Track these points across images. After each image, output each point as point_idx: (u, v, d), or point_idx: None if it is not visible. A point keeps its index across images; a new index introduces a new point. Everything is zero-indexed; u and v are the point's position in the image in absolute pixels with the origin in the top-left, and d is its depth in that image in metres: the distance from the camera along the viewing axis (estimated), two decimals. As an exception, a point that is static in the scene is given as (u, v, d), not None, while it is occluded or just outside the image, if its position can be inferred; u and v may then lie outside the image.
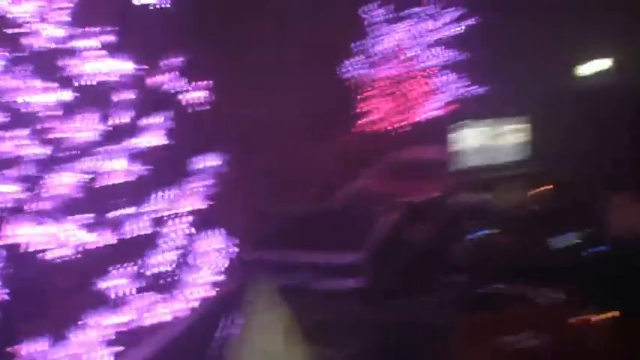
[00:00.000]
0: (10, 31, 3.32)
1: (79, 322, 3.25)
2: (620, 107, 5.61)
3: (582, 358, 1.62)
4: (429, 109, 7.27)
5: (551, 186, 3.09)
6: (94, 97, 3.41)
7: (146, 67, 3.63)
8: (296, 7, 6.76)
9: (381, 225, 3.39)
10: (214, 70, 4.17)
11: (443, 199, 3.34)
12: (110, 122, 3.47)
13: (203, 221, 3.73)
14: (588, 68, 7.37)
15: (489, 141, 4.08)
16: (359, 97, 7.26)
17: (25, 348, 3.08)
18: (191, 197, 3.66)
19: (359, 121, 7.18)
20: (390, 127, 7.14)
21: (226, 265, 3.71)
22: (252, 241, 4.02)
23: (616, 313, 1.54)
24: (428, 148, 5.36)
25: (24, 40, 3.36)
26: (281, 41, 6.73)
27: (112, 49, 3.54)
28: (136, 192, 3.51)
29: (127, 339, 3.21)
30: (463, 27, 7.51)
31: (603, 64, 7.47)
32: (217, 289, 3.56)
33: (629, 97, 5.55)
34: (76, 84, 3.40)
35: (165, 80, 3.69)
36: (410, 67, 7.37)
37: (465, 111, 4.86)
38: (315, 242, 3.72)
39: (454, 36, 7.54)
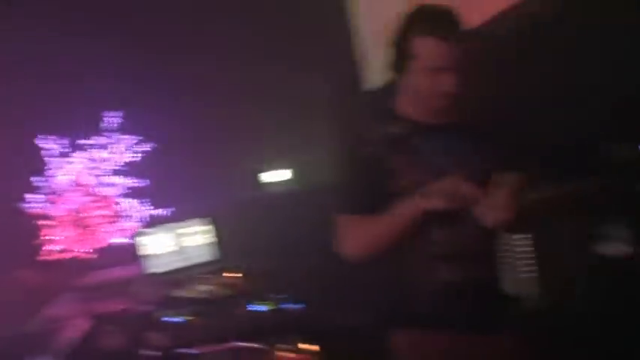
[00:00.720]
0: None
1: None
2: (297, 209, 6.24)
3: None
4: (114, 234, 7.29)
5: (240, 275, 3.39)
6: None
7: None
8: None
9: (74, 337, 3.22)
10: None
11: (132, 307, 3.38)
12: None
13: None
14: (269, 176, 8.10)
15: (178, 245, 4.07)
16: (41, 229, 6.98)
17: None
18: None
19: (42, 252, 6.89)
20: (74, 256, 6.94)
21: None
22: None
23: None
24: (116, 269, 5.31)
25: None
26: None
27: None
28: None
29: None
30: (139, 153, 7.68)
31: (282, 174, 8.24)
32: None
33: (308, 200, 6.23)
34: None
35: None
36: (89, 196, 7.28)
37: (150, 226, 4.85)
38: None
39: (131, 162, 7.67)
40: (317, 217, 5.90)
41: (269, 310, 2.30)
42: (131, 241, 7.06)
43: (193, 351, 1.90)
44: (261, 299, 2.56)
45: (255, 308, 2.38)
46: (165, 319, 2.53)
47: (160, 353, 1.92)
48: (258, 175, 8.29)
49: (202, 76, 7.57)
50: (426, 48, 1.64)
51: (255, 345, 1.83)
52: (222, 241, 4.21)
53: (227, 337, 2.08)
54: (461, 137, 1.76)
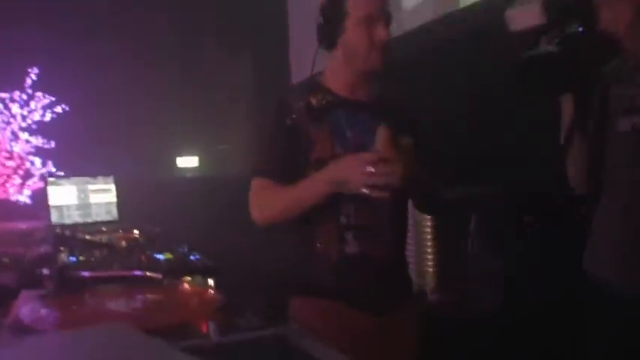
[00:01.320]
0: None
1: None
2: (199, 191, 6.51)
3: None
4: (18, 190, 7.23)
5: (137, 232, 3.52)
6: None
7: None
8: None
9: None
10: None
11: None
12: None
13: None
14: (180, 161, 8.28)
15: (82, 200, 4.22)
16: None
17: None
18: None
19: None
20: None
21: None
22: None
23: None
24: (18, 222, 5.31)
25: None
26: None
27: None
28: None
29: None
30: (52, 114, 7.64)
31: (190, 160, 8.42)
32: None
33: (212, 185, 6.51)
34: None
35: None
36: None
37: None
38: None
39: (43, 122, 7.62)
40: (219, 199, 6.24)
41: (167, 259, 2.47)
42: (31, 200, 7.08)
43: (85, 274, 2.05)
44: (160, 250, 2.71)
45: (154, 256, 2.55)
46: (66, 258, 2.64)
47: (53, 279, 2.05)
48: (172, 158, 8.47)
49: (126, 49, 7.63)
50: (359, 1, 1.78)
51: (155, 274, 2.00)
52: (120, 203, 4.39)
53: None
54: (375, 114, 1.82)
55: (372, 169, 1.60)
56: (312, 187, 1.78)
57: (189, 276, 2.04)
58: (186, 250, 2.80)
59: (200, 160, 8.79)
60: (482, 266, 3.85)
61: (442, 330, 3.19)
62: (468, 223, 3.94)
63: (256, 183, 1.87)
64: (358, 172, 1.62)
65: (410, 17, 4.28)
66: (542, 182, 3.37)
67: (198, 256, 2.69)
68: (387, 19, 1.81)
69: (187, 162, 8.67)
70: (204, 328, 1.49)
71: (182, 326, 1.45)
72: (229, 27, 7.57)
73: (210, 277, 1.99)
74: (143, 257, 2.59)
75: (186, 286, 1.90)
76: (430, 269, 4.01)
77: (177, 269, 2.28)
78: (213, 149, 8.58)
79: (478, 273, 3.80)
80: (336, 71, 1.90)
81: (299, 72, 5.70)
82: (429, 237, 4.00)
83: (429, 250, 4.00)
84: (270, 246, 3.59)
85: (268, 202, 1.85)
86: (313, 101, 1.84)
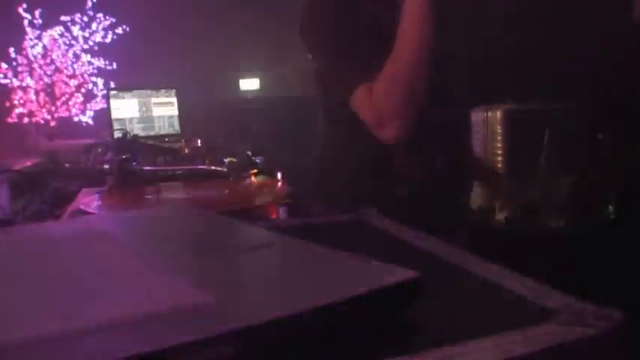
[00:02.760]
0: None
1: None
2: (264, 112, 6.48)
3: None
4: (81, 110, 7.34)
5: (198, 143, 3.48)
6: None
7: None
8: None
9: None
10: None
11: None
12: None
13: None
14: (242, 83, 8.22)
15: (145, 112, 4.21)
16: (12, 95, 6.98)
17: None
18: None
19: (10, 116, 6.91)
20: (41, 121, 6.99)
21: None
22: None
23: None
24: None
25: None
26: None
27: None
28: None
29: None
30: (113, 36, 7.65)
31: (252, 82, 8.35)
32: None
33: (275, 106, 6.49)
34: None
35: None
36: (61, 70, 7.26)
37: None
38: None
39: (104, 44, 7.63)
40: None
41: (231, 161, 2.42)
42: (93, 122, 7.17)
43: (147, 168, 1.99)
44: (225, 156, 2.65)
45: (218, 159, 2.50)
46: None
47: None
48: (234, 79, 8.43)
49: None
50: None
51: (220, 168, 1.92)
52: (182, 118, 4.37)
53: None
54: None
55: None
56: (411, 15, 1.40)
57: (255, 174, 1.96)
58: (250, 153, 2.75)
59: (261, 83, 8.70)
60: (555, 183, 3.70)
61: (510, 247, 3.09)
62: (542, 138, 3.77)
63: (363, 90, 1.48)
64: None
65: None
66: (619, 97, 3.17)
67: (262, 158, 2.64)
68: None
69: (248, 84, 8.60)
70: (274, 214, 1.41)
71: (251, 211, 1.38)
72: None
73: (275, 172, 1.90)
74: (207, 160, 2.56)
75: (253, 179, 1.82)
76: (500, 184, 3.88)
77: (242, 168, 2.21)
78: (275, 72, 8.48)
79: (550, 189, 3.65)
80: None
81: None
82: (499, 151, 3.85)
83: (499, 165, 3.86)
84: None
85: (387, 83, 1.43)
86: None
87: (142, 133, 4.16)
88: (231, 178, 1.88)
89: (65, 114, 7.15)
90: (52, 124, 7.04)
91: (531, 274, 0.76)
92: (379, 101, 1.46)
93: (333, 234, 1.05)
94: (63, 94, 7.17)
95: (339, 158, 1.73)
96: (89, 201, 1.57)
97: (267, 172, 2.25)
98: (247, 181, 1.85)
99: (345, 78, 1.52)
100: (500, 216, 3.91)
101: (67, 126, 7.04)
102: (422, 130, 1.53)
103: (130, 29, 7.61)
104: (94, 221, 1.11)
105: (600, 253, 3.16)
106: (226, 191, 1.66)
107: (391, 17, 1.49)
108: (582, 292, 0.66)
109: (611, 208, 3.47)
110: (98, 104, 7.29)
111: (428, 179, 1.60)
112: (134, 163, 2.65)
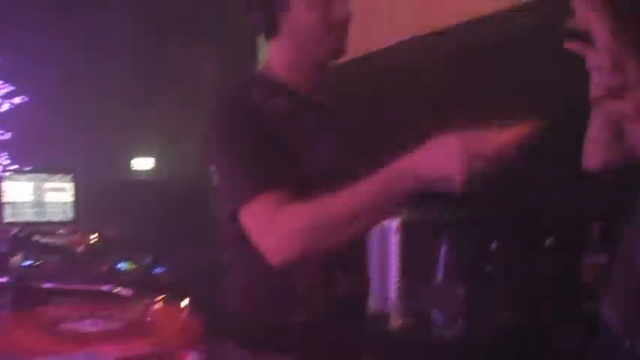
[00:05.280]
0: None
1: None
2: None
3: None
4: None
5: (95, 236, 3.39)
6: None
7: None
8: None
9: None
10: None
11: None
12: None
13: None
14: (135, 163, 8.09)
15: (38, 197, 4.06)
16: None
17: None
18: None
19: None
20: None
21: None
22: None
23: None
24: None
25: None
26: None
27: None
28: None
29: None
30: (10, 104, 7.41)
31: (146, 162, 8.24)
32: None
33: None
34: None
35: None
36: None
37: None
38: None
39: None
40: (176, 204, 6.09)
41: (130, 269, 2.35)
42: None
43: (47, 285, 1.91)
44: (123, 258, 2.59)
45: (116, 266, 2.44)
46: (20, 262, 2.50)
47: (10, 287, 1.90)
48: (127, 159, 8.28)
49: (88, 45, 7.44)
50: None
51: (124, 291, 1.85)
52: (78, 202, 4.24)
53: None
54: (334, 118, 1.48)
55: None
56: (392, 185, 1.22)
57: (159, 293, 1.91)
58: (150, 261, 2.69)
59: (156, 162, 8.61)
60: (450, 291, 3.82)
61: (405, 355, 3.14)
62: (438, 247, 3.90)
63: (262, 203, 1.29)
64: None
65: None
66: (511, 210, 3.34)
67: (163, 268, 2.58)
68: None
69: (143, 164, 8.48)
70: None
71: (160, 356, 1.33)
72: (193, 24, 7.38)
73: (181, 297, 1.86)
74: (104, 266, 2.48)
75: (159, 306, 1.77)
76: (394, 292, 3.94)
77: (144, 284, 2.15)
78: (170, 151, 8.40)
79: (445, 298, 3.76)
80: (287, 63, 1.48)
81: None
82: (394, 259, 3.94)
83: (394, 273, 3.94)
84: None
85: (305, 221, 1.26)
86: (282, 102, 1.43)
87: (33, 219, 4.00)
88: (134, 301, 1.83)
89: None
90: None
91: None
92: (283, 229, 1.27)
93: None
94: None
95: (237, 273, 1.58)
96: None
97: (171, 287, 2.21)
98: (154, 308, 1.80)
99: (244, 185, 1.33)
100: (396, 323, 3.96)
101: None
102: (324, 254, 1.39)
103: (28, 99, 7.39)
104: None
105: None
106: (133, 325, 1.60)
107: (301, 142, 1.40)
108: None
109: (504, 316, 3.60)
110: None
111: (329, 305, 1.47)
112: (27, 262, 2.55)
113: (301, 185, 1.29)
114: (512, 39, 3.09)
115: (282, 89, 1.44)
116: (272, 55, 1.48)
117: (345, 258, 1.40)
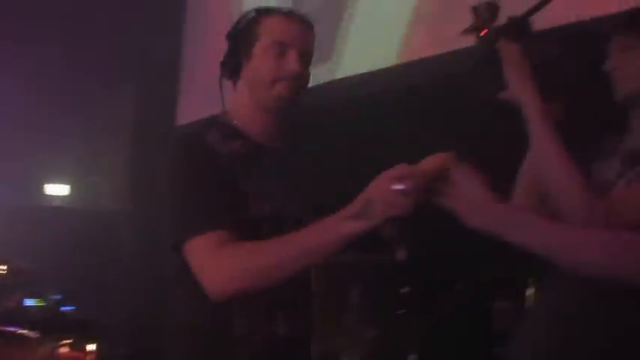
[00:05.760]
0: None
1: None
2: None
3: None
4: None
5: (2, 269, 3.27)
6: None
7: None
8: None
9: None
10: None
11: None
12: None
13: None
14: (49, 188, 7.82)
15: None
16: None
17: None
18: None
19: None
20: None
21: None
22: None
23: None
24: None
25: None
26: None
27: None
28: None
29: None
30: None
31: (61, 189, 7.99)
32: None
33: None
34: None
35: None
36: None
37: None
38: None
39: None
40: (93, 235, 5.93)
41: (39, 307, 2.27)
42: None
43: None
44: (32, 295, 2.49)
45: (24, 302, 2.35)
46: None
47: None
48: (40, 184, 7.98)
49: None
50: (272, 24, 1.54)
51: (30, 333, 1.76)
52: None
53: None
54: (288, 164, 1.58)
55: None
56: (329, 229, 1.30)
57: (66, 334, 1.86)
58: (59, 298, 2.62)
59: (71, 189, 8.33)
60: (359, 335, 3.87)
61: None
62: (349, 291, 3.96)
63: (205, 240, 1.36)
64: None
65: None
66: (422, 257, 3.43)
67: (73, 307, 2.52)
68: (303, 51, 1.55)
69: (57, 190, 8.19)
70: None
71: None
72: (113, 58, 7.27)
73: (89, 340, 1.81)
74: (12, 302, 2.40)
75: (65, 351, 1.72)
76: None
77: (51, 323, 2.09)
78: (86, 179, 8.18)
79: (355, 341, 3.81)
80: (244, 109, 1.59)
81: (187, 111, 5.48)
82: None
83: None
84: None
85: (244, 262, 1.34)
86: (236, 147, 1.51)
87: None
88: (40, 344, 1.78)
89: None
90: None
91: None
92: (225, 266, 1.35)
93: None
94: None
95: (179, 308, 1.58)
96: None
97: (80, 328, 2.16)
98: (59, 353, 1.76)
99: (190, 221, 1.40)
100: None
101: None
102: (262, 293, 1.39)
103: None
104: None
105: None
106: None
107: (251, 186, 1.47)
108: None
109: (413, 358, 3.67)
110: None
111: (269, 345, 1.50)
112: None
113: (248, 228, 1.38)
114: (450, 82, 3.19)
115: (238, 134, 1.54)
116: (231, 101, 1.60)
117: (287, 298, 1.45)
